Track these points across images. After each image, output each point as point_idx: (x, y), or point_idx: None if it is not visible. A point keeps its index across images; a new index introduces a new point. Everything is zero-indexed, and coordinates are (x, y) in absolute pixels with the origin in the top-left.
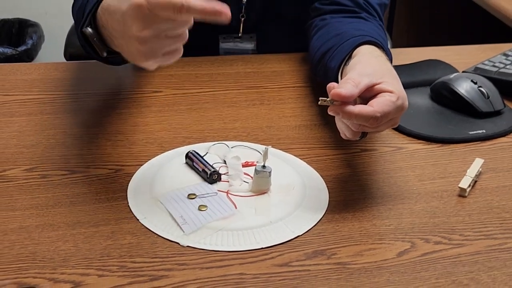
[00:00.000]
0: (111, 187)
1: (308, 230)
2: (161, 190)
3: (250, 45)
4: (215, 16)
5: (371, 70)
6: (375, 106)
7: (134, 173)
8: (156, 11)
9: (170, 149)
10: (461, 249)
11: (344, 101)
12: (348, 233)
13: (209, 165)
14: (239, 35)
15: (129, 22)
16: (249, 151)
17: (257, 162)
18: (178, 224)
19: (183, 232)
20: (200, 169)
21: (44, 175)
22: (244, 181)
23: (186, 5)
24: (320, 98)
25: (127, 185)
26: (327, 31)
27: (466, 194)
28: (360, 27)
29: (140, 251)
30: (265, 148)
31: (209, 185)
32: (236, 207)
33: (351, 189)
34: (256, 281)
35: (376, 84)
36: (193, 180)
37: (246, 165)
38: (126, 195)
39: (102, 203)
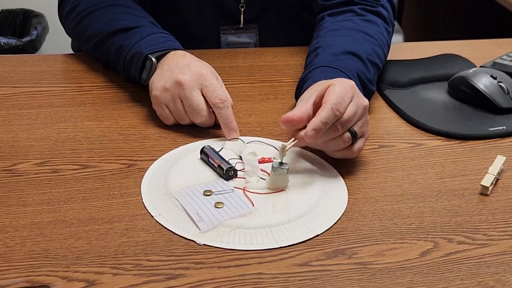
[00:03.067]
0: (124, 183)
1: (327, 229)
2: (175, 186)
3: (252, 37)
4: (230, 131)
5: (316, 87)
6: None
7: (148, 168)
8: (204, 88)
9: (184, 144)
10: (486, 249)
11: (299, 121)
12: (368, 232)
13: (225, 161)
14: (240, 26)
15: (186, 71)
16: (264, 146)
17: (273, 158)
18: (194, 222)
19: (199, 230)
20: (216, 165)
21: (56, 170)
22: (261, 178)
23: (227, 104)
24: (282, 144)
25: (141, 181)
26: (314, 41)
27: (488, 193)
28: (336, 47)
29: (155, 249)
30: (282, 144)
31: (225, 181)
32: (253, 205)
33: (370, 187)
34: (275, 281)
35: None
36: (208, 176)
37: (262, 161)
38: (140, 190)
39: (115, 199)
